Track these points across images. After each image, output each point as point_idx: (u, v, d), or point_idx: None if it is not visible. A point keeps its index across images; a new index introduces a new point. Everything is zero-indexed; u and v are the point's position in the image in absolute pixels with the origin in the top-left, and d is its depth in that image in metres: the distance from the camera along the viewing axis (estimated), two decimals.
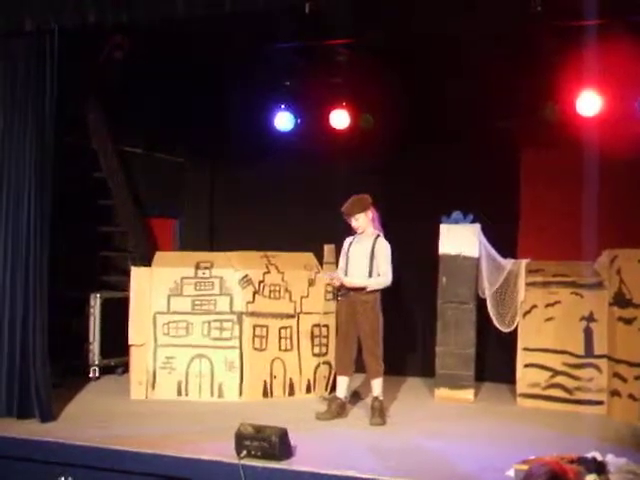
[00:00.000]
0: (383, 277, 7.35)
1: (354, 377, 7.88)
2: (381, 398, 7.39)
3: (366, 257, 7.38)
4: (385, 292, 7.42)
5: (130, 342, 8.20)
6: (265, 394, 8.22)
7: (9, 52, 7.25)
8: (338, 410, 7.45)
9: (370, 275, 7.35)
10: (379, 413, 7.30)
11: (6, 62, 7.26)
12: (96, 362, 9.02)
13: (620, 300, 7.71)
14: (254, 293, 8.24)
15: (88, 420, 7.14)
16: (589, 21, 7.43)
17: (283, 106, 9.78)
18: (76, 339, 9.09)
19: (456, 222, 8.40)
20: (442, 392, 8.39)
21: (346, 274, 7.44)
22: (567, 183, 9.13)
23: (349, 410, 7.71)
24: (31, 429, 6.75)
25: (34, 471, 6.29)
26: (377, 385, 7.39)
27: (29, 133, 7.19)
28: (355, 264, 7.42)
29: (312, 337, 8.45)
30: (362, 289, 7.32)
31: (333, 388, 8.10)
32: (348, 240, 7.59)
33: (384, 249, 7.39)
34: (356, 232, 7.51)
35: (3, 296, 7.18)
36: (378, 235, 7.47)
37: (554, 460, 5.07)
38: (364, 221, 7.44)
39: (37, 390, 7.07)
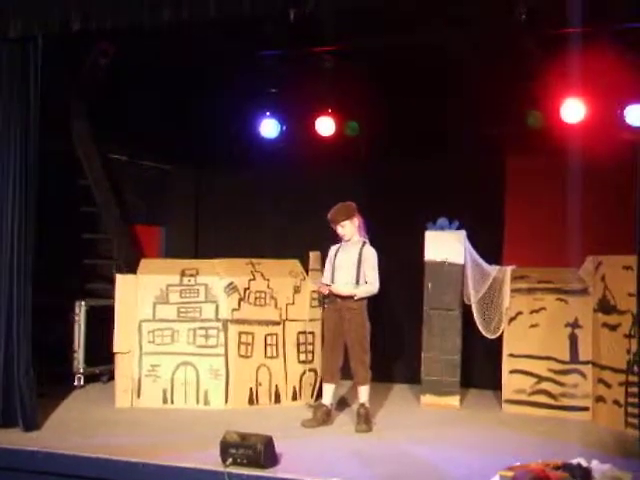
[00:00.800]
0: (370, 285, 7.35)
1: (340, 384, 7.88)
2: (367, 405, 7.39)
3: (353, 265, 7.37)
4: (371, 298, 7.42)
5: (115, 350, 8.17)
6: (251, 401, 8.20)
7: None
8: (324, 417, 7.44)
9: (357, 282, 7.35)
10: (365, 420, 7.29)
11: None
12: (81, 370, 8.98)
13: (605, 306, 7.74)
14: (239, 300, 8.22)
15: (73, 429, 7.10)
16: (573, 29, 7.47)
17: (268, 113, 9.78)
18: (61, 347, 9.04)
19: (442, 229, 8.43)
20: (428, 398, 8.40)
21: (332, 282, 7.44)
22: (552, 190, 9.18)
23: (335, 417, 7.70)
24: (15, 438, 6.71)
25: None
26: (364, 392, 7.38)
27: (13, 140, 7.15)
28: (342, 272, 7.41)
29: (298, 344, 8.44)
30: (350, 297, 7.32)
31: (319, 395, 8.09)
32: (334, 248, 7.57)
33: (371, 257, 7.38)
34: (342, 239, 7.50)
35: None
36: (364, 242, 7.46)
37: (539, 467, 5.09)
38: (350, 228, 7.43)
39: (21, 398, 7.02)
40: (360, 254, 7.38)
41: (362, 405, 7.37)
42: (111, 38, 8.10)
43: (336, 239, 7.57)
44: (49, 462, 6.24)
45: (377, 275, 7.38)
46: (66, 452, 6.27)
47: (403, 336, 9.39)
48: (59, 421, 7.37)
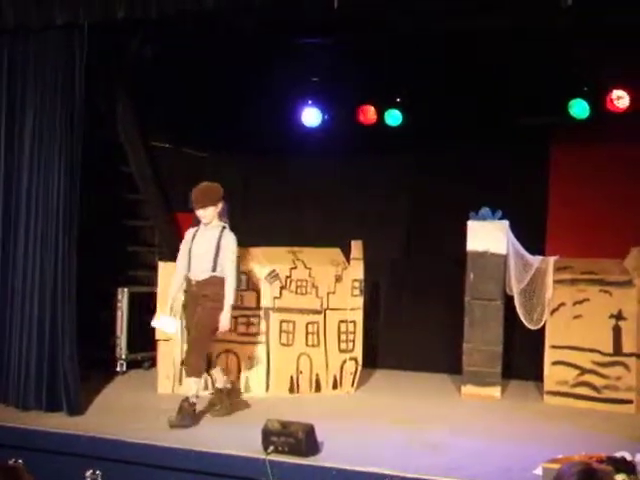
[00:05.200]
0: (229, 284, 6.86)
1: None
2: (192, 400, 6.85)
3: (210, 251, 6.86)
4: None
5: (157, 337, 8.22)
6: (291, 390, 8.21)
7: (40, 46, 7.29)
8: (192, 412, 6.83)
9: (214, 271, 6.85)
10: (181, 415, 6.76)
11: (37, 56, 7.30)
12: (123, 356, 9.05)
13: None
14: (281, 288, 8.22)
15: (115, 414, 7.16)
16: (619, 16, 7.36)
17: (310, 102, 9.77)
18: (103, 333, 9.13)
19: (484, 219, 8.35)
20: (469, 389, 8.35)
21: (189, 270, 6.96)
22: (596, 180, 9.09)
23: (374, 406, 7.65)
24: (59, 422, 6.81)
25: (62, 464, 6.32)
26: (193, 385, 6.91)
27: (59, 128, 7.22)
28: (199, 259, 6.90)
29: (339, 333, 8.43)
30: (207, 284, 6.85)
31: (359, 384, 8.09)
32: (191, 231, 7.06)
33: (230, 244, 6.90)
34: (200, 222, 7.00)
35: (32, 290, 7.23)
36: (224, 227, 6.97)
37: (584, 460, 5.03)
38: (212, 213, 6.91)
39: (65, 383, 7.11)
40: (219, 240, 6.89)
41: (186, 399, 6.82)
42: (155, 26, 8.11)
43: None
44: (93, 446, 6.32)
45: (234, 266, 6.92)
46: (109, 436, 6.34)
47: (444, 326, 9.33)
48: (102, 406, 7.44)
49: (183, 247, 7.07)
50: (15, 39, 7.39)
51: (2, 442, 6.50)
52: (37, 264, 7.22)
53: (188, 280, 7.03)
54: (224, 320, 6.89)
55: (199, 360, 6.89)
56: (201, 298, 6.93)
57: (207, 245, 6.91)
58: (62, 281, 7.15)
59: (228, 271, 6.88)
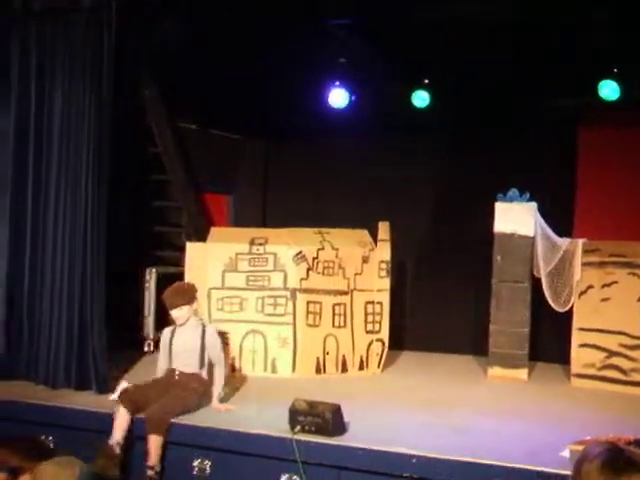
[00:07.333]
0: (221, 373, 6.65)
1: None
2: (158, 469, 6.04)
3: (195, 350, 6.66)
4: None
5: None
6: (318, 370, 8.25)
7: (69, 27, 7.32)
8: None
9: (201, 367, 6.68)
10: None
11: (66, 37, 7.33)
12: (151, 336, 9.10)
13: None
14: (308, 269, 8.25)
15: None
16: None
17: (338, 83, 9.75)
18: (131, 313, 9.20)
19: (512, 200, 8.32)
20: (495, 371, 8.35)
21: (170, 365, 6.68)
22: (624, 162, 9.02)
23: (391, 387, 7.66)
24: (88, 400, 6.88)
25: (91, 441, 6.39)
26: (154, 444, 6.07)
27: (87, 110, 7.25)
28: (182, 357, 6.66)
29: (365, 314, 8.44)
30: (194, 376, 6.62)
31: (386, 365, 8.09)
32: (168, 331, 6.82)
33: (217, 342, 6.74)
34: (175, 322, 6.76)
35: (62, 272, 7.29)
36: (204, 325, 6.84)
37: (610, 440, 5.02)
38: (187, 313, 6.70)
39: (94, 362, 7.20)
40: (203, 339, 6.69)
41: (152, 467, 6.04)
42: (182, 8, 8.13)
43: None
44: None
45: (224, 357, 6.77)
46: (137, 415, 6.39)
47: (471, 308, 9.34)
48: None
49: (163, 349, 6.81)
50: (43, 21, 7.42)
51: (33, 419, 6.59)
52: (66, 245, 7.28)
53: (170, 370, 6.68)
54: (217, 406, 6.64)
55: (164, 416, 6.21)
56: (187, 386, 6.57)
57: (190, 344, 6.68)
58: (91, 262, 7.20)
59: (218, 365, 6.68)
